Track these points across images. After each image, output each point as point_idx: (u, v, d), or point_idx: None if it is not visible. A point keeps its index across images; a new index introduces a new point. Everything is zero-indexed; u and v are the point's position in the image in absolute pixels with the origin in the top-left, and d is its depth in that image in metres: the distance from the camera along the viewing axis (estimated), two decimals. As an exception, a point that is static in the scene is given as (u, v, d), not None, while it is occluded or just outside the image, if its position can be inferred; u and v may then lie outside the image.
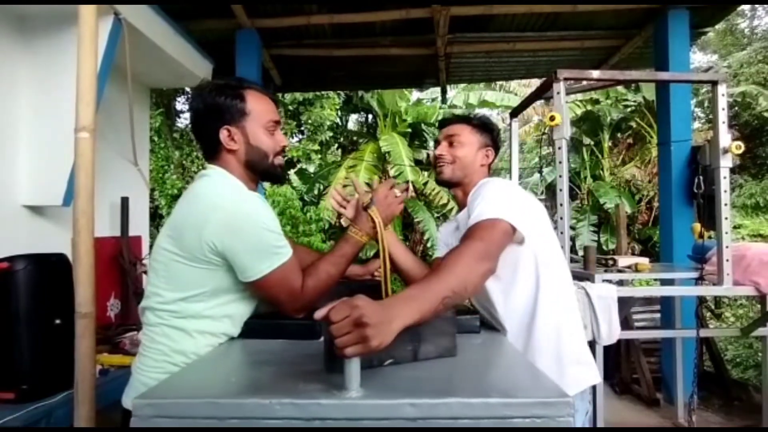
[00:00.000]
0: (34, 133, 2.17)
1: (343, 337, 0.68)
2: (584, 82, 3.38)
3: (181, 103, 10.89)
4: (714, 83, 2.10)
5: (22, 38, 2.16)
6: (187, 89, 9.15)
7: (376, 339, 0.68)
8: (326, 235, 7.62)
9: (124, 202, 2.77)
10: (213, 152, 1.12)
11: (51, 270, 1.74)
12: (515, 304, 1.17)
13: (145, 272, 2.98)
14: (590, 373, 1.19)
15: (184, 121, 11.08)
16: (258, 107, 1.11)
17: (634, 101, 9.36)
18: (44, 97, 2.17)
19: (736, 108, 9.58)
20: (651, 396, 3.29)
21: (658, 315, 3.61)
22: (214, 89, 1.10)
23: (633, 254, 7.73)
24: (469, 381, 0.82)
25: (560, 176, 1.97)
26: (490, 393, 0.71)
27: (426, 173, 8.88)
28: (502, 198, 1.11)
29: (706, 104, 9.93)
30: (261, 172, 1.14)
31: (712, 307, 3.18)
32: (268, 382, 0.78)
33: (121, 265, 2.68)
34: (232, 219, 1.00)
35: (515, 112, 2.87)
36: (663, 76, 2.92)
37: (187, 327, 1.03)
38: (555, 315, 1.17)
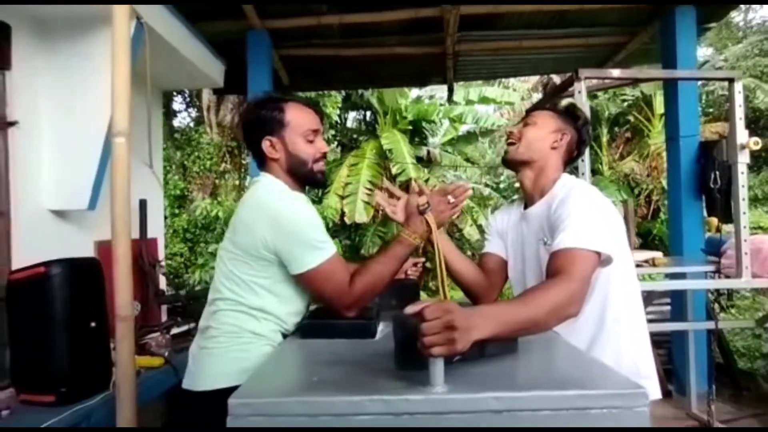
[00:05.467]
0: (57, 138, 2.18)
1: (432, 337, 0.71)
2: (595, 81, 3.40)
3: (178, 103, 10.87)
4: (731, 80, 2.15)
5: (43, 42, 2.16)
6: (185, 90, 9.16)
7: (461, 343, 0.72)
8: (329, 233, 7.66)
9: (143, 204, 2.77)
10: (261, 161, 1.23)
11: (84, 274, 1.75)
12: (580, 322, 1.12)
13: (164, 274, 3.00)
14: (648, 386, 1.20)
15: (181, 121, 11.07)
16: (296, 118, 1.20)
17: (632, 96, 9.43)
18: (67, 100, 2.17)
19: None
20: (663, 388, 3.33)
21: (666, 308, 3.66)
22: (258, 104, 1.22)
23: (634, 248, 7.80)
24: (541, 375, 0.85)
25: (582, 174, 2.01)
26: (566, 386, 0.75)
27: (426, 170, 8.92)
28: (594, 220, 1.08)
29: (704, 99, 10.02)
30: (302, 177, 1.23)
31: (725, 300, 3.24)
32: (348, 380, 0.81)
33: (141, 267, 2.69)
34: (279, 215, 1.09)
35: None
36: (680, 74, 2.95)
37: (253, 313, 1.13)
38: (618, 332, 1.17)
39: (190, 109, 11.05)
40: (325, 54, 3.99)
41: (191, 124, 9.93)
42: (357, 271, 1.14)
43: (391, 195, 1.28)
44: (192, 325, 2.67)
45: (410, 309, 0.73)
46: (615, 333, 1.18)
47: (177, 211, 7.06)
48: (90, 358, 1.69)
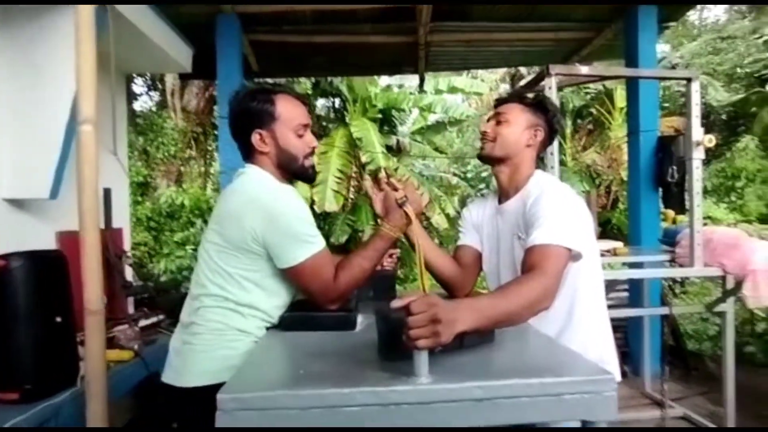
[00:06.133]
0: (15, 123, 2.06)
1: (418, 330, 0.73)
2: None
3: (139, 86, 10.41)
4: (689, 80, 2.26)
5: (1, 24, 2.03)
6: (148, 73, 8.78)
7: (444, 336, 0.76)
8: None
9: (107, 193, 2.67)
10: (248, 153, 1.21)
11: (48, 266, 1.69)
12: (551, 314, 1.16)
13: (131, 265, 2.91)
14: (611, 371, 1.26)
15: (143, 104, 10.62)
16: (287, 111, 1.19)
17: (595, 89, 9.73)
18: (26, 85, 2.05)
19: (684, 98, 10.12)
20: (620, 369, 3.54)
21: (624, 294, 3.85)
22: (247, 95, 1.18)
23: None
24: (519, 364, 0.89)
25: (551, 168, 2.08)
26: (542, 374, 0.79)
27: (396, 159, 8.94)
28: (566, 218, 1.13)
29: (660, 93, 10.43)
30: (292, 172, 1.22)
31: (677, 287, 3.45)
32: (335, 372, 0.83)
33: (107, 258, 2.60)
34: (269, 208, 1.08)
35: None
36: (643, 72, 3.09)
37: (241, 310, 1.12)
38: (585, 323, 1.24)
39: (152, 93, 10.62)
40: (297, 40, 3.92)
41: (153, 108, 9.54)
42: (340, 265, 1.15)
43: (379, 185, 1.28)
44: (161, 316, 2.62)
45: (397, 303, 0.75)
46: (583, 324, 1.24)
47: (140, 198, 6.82)
48: (56, 354, 1.64)
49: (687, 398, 3.20)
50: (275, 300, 1.16)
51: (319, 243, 1.12)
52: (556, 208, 1.14)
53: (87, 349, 1.47)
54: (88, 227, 1.48)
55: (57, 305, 1.66)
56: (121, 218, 2.99)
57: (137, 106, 10.18)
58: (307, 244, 1.10)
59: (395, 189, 1.23)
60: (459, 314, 0.80)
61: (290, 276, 1.12)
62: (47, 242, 2.28)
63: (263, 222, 1.07)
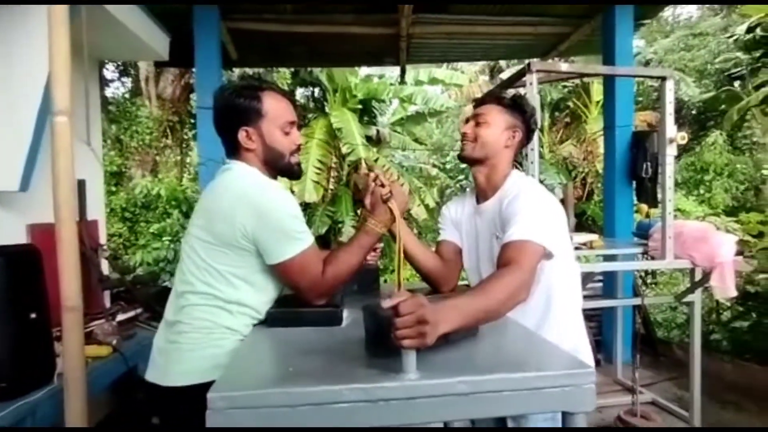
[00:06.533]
0: (-17, 114, 1.98)
1: (405, 330, 0.75)
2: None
3: (110, 72, 10.07)
4: (663, 79, 2.32)
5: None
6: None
7: (430, 336, 0.78)
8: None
9: (81, 184, 2.60)
10: (233, 149, 1.20)
11: (22, 261, 1.64)
12: (528, 309, 1.22)
13: (107, 258, 2.85)
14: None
15: (115, 91, 10.28)
16: (274, 109, 1.19)
17: (573, 83, 9.87)
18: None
19: (657, 93, 10.41)
20: (593, 357, 3.67)
21: (599, 285, 3.97)
22: (234, 91, 1.18)
23: (572, 230, 8.30)
24: (501, 358, 0.92)
25: (531, 162, 2.11)
26: (524, 368, 0.82)
27: (375, 150, 8.92)
28: (541, 217, 1.17)
29: (634, 88, 10.66)
30: (278, 169, 1.22)
31: (648, 279, 3.59)
32: (323, 369, 0.84)
33: (83, 252, 2.53)
34: (259, 204, 1.08)
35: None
36: (620, 70, 3.16)
37: (229, 308, 1.12)
38: (561, 317, 1.30)
39: (125, 78, 10.29)
40: (277, 29, 3.85)
41: (126, 95, 9.25)
42: (327, 260, 1.15)
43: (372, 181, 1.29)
44: (139, 310, 2.57)
45: (386, 303, 0.77)
46: (558, 318, 1.29)
47: (114, 188, 6.64)
48: (31, 351, 1.60)
49: (656, 384, 3.34)
50: (263, 296, 1.16)
51: (307, 239, 1.12)
52: (533, 207, 1.19)
53: (65, 346, 1.44)
54: (64, 221, 1.44)
55: (31, 301, 1.61)
56: (96, 210, 2.91)
57: (109, 92, 9.85)
58: (296, 241, 1.10)
59: (382, 185, 1.24)
60: (443, 314, 0.82)
61: (279, 272, 1.13)
62: (17, 236, 2.21)
63: (253, 218, 1.07)
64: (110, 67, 9.60)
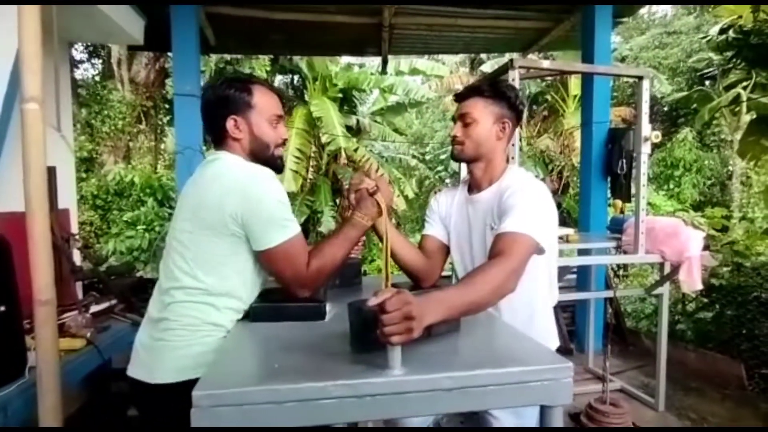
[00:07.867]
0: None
1: (392, 326, 0.76)
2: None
3: (79, 52, 9.67)
4: (640, 78, 2.38)
5: None
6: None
7: (416, 331, 0.79)
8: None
9: (51, 172, 2.50)
10: (220, 139, 1.21)
11: (-11, 252, 1.58)
12: (517, 305, 1.25)
13: (79, 248, 2.76)
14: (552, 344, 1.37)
15: (84, 72, 9.89)
16: (263, 101, 1.21)
17: (551, 77, 10.00)
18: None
19: (632, 89, 10.65)
20: (566, 346, 3.78)
21: (573, 276, 4.07)
22: (225, 82, 1.21)
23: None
24: (485, 354, 0.94)
25: (512, 158, 2.14)
26: (507, 363, 0.84)
27: (355, 140, 8.88)
28: (539, 212, 1.19)
29: (610, 84, 10.89)
30: (263, 160, 1.21)
31: (620, 271, 3.70)
32: (309, 365, 0.84)
33: (54, 242, 2.45)
34: (248, 190, 1.09)
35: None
36: (599, 69, 3.22)
37: (215, 302, 1.11)
38: (547, 311, 1.34)
39: (95, 60, 9.90)
40: (257, 15, 3.77)
41: (97, 78, 8.91)
42: (312, 253, 1.15)
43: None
44: (113, 301, 2.51)
45: (373, 301, 0.77)
46: (543, 313, 1.33)
47: (84, 175, 6.42)
48: (1, 345, 1.55)
49: (624, 372, 3.47)
50: (250, 287, 1.15)
51: (294, 228, 1.12)
52: (531, 202, 1.20)
53: (38, 341, 1.40)
54: (35, 211, 1.40)
55: (1, 293, 1.56)
56: (67, 198, 2.82)
57: (78, 74, 9.47)
58: (283, 228, 1.10)
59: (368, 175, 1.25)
60: (428, 308, 0.83)
61: (264, 259, 1.12)
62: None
63: (244, 202, 1.07)
64: (79, 47, 9.23)
